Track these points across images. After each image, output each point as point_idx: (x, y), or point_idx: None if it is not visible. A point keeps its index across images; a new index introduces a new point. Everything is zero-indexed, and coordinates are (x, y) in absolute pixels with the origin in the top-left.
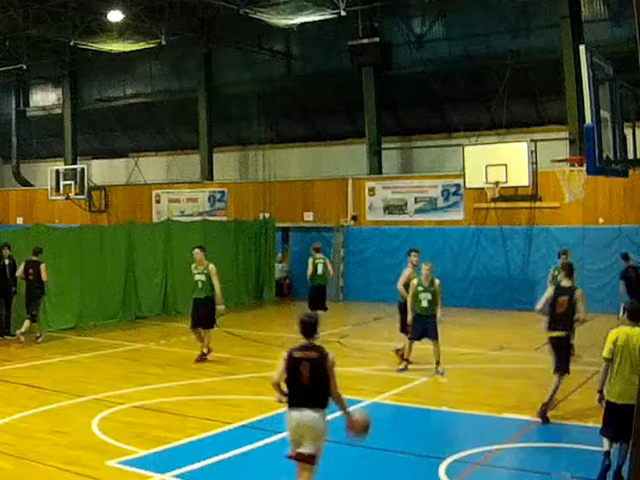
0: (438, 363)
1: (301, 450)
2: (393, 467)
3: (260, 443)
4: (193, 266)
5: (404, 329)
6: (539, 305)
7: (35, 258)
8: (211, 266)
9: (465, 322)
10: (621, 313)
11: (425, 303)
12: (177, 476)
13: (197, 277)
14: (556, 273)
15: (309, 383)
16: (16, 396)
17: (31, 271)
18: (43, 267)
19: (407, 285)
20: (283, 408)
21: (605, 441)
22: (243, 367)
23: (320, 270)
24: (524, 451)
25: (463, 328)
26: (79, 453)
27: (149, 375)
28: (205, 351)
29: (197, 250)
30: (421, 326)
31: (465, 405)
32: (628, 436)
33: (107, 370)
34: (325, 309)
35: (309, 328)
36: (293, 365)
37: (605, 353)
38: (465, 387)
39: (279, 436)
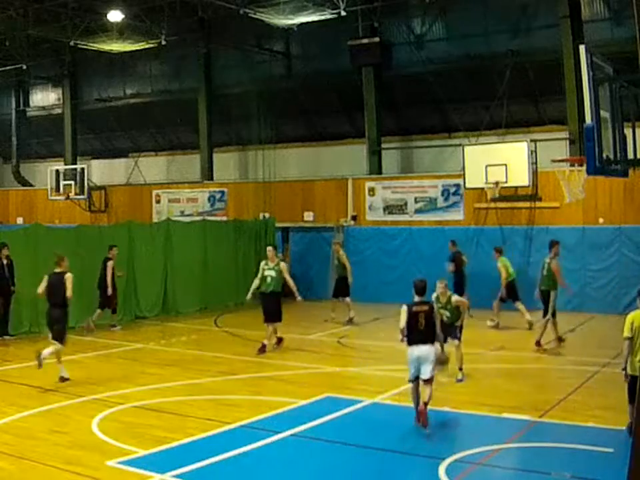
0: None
1: (422, 376)
2: (393, 467)
3: (260, 443)
4: (264, 262)
5: (545, 314)
6: None
7: (107, 256)
8: (283, 264)
9: (465, 322)
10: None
11: (444, 318)
12: (177, 476)
13: (267, 273)
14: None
15: (423, 327)
16: (16, 396)
17: (101, 268)
18: (109, 264)
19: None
20: (283, 408)
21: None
22: (243, 367)
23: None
24: (524, 451)
25: (462, 328)
26: (79, 453)
27: (149, 375)
28: (278, 336)
29: (269, 247)
30: (444, 331)
31: (465, 405)
32: None
33: (107, 370)
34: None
35: (421, 289)
36: (412, 316)
37: (626, 333)
38: (465, 386)
39: (279, 436)
